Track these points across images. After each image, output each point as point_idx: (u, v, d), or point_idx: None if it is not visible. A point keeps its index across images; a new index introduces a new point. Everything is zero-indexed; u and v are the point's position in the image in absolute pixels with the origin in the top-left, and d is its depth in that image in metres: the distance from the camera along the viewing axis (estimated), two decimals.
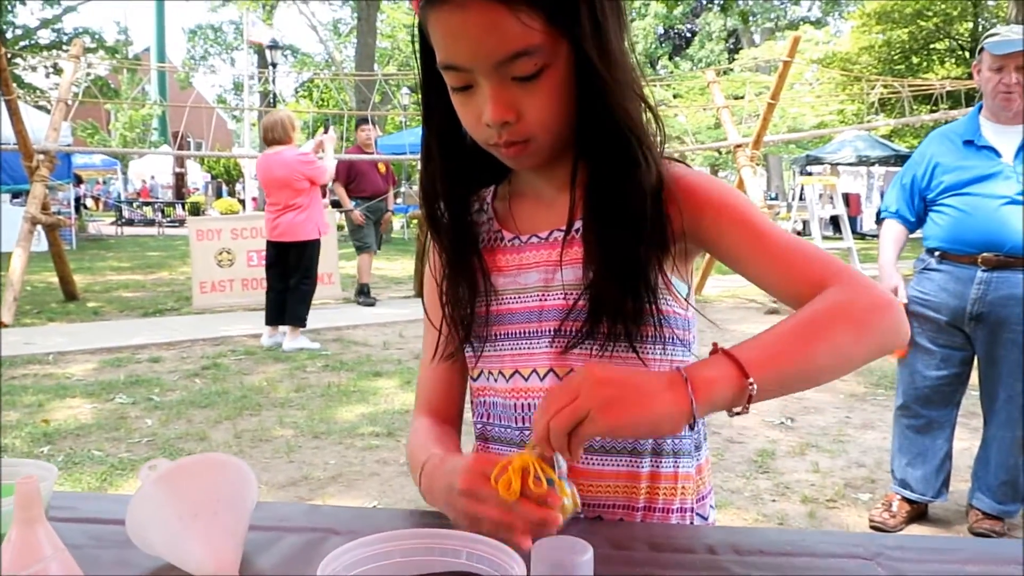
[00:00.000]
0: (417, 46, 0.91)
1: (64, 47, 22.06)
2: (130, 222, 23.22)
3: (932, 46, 22.94)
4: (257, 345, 6.17)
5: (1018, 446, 2.80)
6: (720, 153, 16.70)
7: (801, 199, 10.54)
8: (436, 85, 0.91)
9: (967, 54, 21.85)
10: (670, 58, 33.74)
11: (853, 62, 22.30)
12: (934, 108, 9.88)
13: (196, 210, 22.27)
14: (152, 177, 28.95)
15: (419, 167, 1.02)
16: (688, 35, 37.15)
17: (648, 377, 0.77)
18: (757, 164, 8.63)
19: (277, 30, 32.51)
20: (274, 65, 19.13)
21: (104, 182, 30.38)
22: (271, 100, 17.51)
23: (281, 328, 6.18)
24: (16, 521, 0.69)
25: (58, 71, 19.63)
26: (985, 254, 2.72)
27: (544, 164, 0.93)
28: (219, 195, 28.75)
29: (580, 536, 0.68)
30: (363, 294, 8.41)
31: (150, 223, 22.79)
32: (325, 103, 30.28)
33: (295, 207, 5.88)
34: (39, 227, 7.67)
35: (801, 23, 29.92)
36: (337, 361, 5.71)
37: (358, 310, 8.11)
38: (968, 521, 2.96)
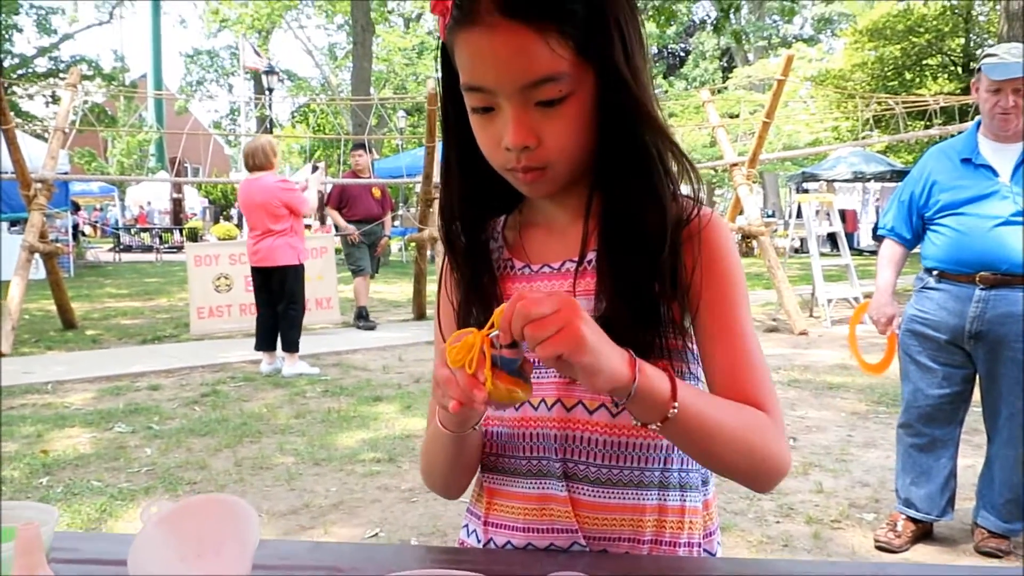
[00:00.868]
0: (439, 64, 0.92)
1: (61, 75, 22.25)
2: (128, 248, 23.26)
3: (924, 62, 23.12)
4: (256, 371, 6.15)
5: (1021, 464, 2.79)
6: (716, 171, 16.78)
7: (798, 216, 10.58)
8: (457, 106, 0.92)
9: (959, 69, 22.05)
10: (664, 77, 34.03)
11: (847, 79, 22.48)
12: (928, 124, 9.95)
13: (194, 235, 22.32)
14: (149, 203, 28.98)
15: (439, 185, 1.03)
16: (682, 54, 37.53)
17: (613, 343, 0.79)
18: (753, 182, 8.68)
19: (272, 55, 32.70)
20: (270, 90, 19.23)
21: (101, 208, 30.44)
22: (267, 125, 17.62)
23: (279, 354, 6.18)
24: (18, 568, 0.68)
25: (56, 100, 19.75)
26: (983, 273, 2.73)
27: (559, 192, 0.94)
28: (217, 220, 28.79)
29: (585, 571, 0.68)
30: (362, 318, 8.40)
31: (148, 249, 22.78)
32: (321, 128, 30.42)
33: (273, 232, 5.90)
34: (37, 255, 7.69)
35: (794, 41, 30.22)
36: (337, 386, 5.70)
37: (357, 334, 8.11)
38: (974, 540, 2.94)
